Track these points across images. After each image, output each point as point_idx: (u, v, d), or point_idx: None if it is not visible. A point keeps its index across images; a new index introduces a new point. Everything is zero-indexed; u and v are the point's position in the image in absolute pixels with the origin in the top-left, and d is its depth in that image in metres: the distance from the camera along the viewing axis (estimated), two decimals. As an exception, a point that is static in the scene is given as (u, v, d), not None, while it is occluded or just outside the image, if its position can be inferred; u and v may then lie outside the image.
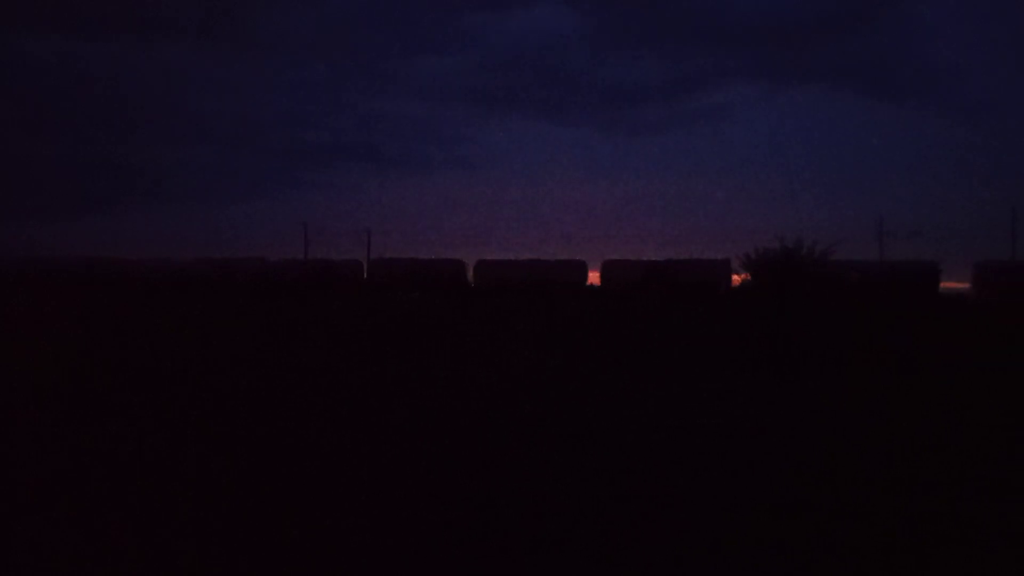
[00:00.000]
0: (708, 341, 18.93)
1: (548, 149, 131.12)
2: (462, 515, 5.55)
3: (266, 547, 4.93)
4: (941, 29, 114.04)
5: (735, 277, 52.64)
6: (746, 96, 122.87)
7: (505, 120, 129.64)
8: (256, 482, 6.31)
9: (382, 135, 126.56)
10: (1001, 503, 5.96)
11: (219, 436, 7.98)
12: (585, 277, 58.44)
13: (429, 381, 12.06)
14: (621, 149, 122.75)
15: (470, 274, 59.72)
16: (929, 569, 4.72)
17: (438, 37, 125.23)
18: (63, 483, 6.22)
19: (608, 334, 21.67)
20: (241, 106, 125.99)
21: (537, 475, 6.60)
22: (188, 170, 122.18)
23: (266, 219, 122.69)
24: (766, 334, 16.03)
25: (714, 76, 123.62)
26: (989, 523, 5.47)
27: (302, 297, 40.35)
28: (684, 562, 4.76)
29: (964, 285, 51.46)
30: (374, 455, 7.25)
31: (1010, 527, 5.41)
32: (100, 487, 6.13)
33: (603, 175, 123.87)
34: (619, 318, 28.56)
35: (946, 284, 51.37)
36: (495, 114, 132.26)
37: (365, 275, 61.71)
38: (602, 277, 57.07)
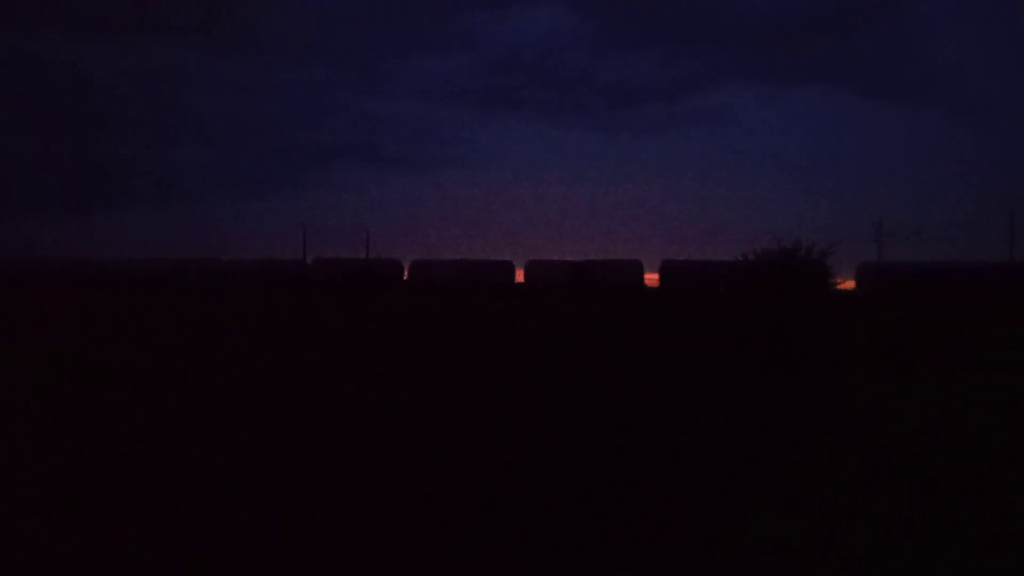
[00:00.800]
0: (707, 341, 18.93)
1: (546, 150, 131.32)
2: (462, 515, 5.56)
3: (266, 546, 4.93)
4: (941, 29, 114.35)
5: (647, 276, 55.87)
6: (745, 96, 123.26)
7: (504, 120, 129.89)
8: (256, 482, 6.31)
9: (381, 135, 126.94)
10: (1001, 503, 5.97)
11: (218, 434, 7.98)
12: (513, 276, 59.96)
13: (424, 380, 12.07)
14: (620, 150, 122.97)
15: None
16: (929, 569, 4.72)
17: (438, 37, 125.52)
18: (63, 483, 6.22)
19: (605, 334, 21.66)
20: (241, 106, 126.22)
21: (538, 475, 6.60)
22: (188, 170, 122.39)
23: (264, 219, 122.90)
24: (765, 334, 16.03)
25: (714, 76, 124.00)
26: (989, 523, 5.48)
27: (247, 296, 40.95)
28: (684, 562, 4.76)
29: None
30: (367, 455, 7.25)
31: (1010, 527, 5.42)
32: (100, 487, 6.13)
33: (601, 176, 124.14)
34: (615, 318, 28.55)
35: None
36: (494, 114, 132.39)
37: (308, 274, 62.34)
38: (526, 276, 58.73)
